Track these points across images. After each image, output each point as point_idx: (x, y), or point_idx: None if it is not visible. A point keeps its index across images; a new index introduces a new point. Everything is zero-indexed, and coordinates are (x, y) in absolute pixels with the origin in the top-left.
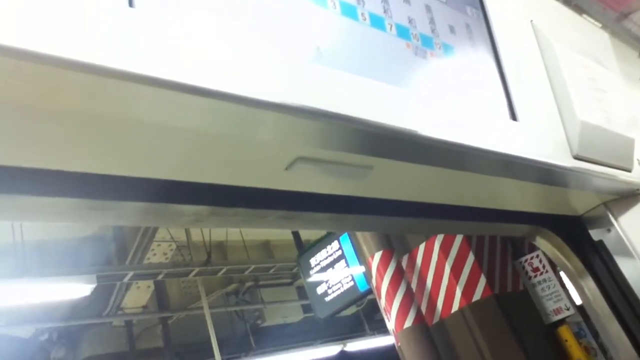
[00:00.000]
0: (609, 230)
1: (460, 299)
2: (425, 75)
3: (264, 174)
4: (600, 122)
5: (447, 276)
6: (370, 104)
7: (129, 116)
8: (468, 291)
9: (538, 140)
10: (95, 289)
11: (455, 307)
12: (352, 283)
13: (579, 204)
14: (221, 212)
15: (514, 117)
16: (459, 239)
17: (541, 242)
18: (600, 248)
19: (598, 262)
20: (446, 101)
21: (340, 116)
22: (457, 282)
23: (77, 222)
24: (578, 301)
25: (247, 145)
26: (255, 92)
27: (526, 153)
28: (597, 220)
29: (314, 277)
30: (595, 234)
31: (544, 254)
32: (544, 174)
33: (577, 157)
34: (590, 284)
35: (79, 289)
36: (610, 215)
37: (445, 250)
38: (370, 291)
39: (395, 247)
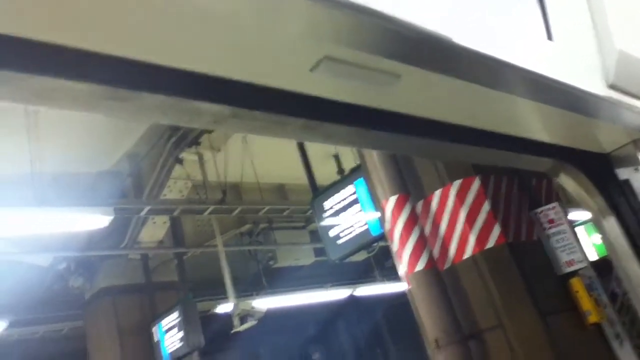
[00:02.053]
0: (636, 170)
1: (474, 245)
2: None
3: (288, 73)
4: (639, 53)
5: (461, 222)
6: (406, 3)
7: None
8: (482, 238)
9: (572, 63)
10: (113, 222)
11: (467, 253)
12: (365, 227)
13: (608, 139)
14: (241, 115)
15: (549, 36)
16: (475, 185)
17: (564, 179)
18: (625, 187)
19: (622, 201)
20: (483, 12)
21: (373, 12)
22: (471, 229)
23: (92, 110)
24: (591, 256)
25: (275, 38)
26: None
27: (558, 75)
28: (624, 159)
29: (327, 220)
30: (621, 173)
31: (560, 205)
32: (575, 101)
33: (611, 87)
34: (612, 223)
35: (97, 220)
36: (639, 154)
37: (461, 196)
38: (382, 235)
39: (411, 192)
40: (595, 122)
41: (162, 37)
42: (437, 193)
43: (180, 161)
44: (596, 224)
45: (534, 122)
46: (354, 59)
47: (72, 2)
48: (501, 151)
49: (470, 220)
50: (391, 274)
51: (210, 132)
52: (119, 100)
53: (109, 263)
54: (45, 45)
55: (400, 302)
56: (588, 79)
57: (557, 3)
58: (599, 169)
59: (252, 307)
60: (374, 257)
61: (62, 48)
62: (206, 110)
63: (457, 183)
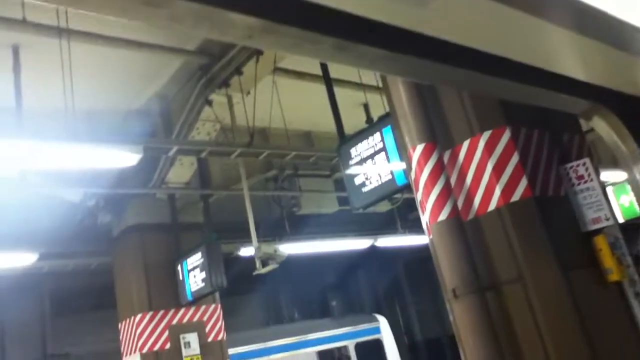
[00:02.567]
0: None
1: (499, 197)
2: None
3: None
4: None
5: (488, 174)
6: None
7: None
8: (508, 191)
9: None
10: (141, 161)
11: (492, 205)
12: (390, 176)
13: None
14: (274, 29)
15: None
16: (505, 137)
17: (598, 123)
18: None
19: None
20: None
21: None
22: (497, 181)
23: (125, 15)
24: (619, 218)
25: None
26: None
27: (600, 4)
28: None
29: (353, 168)
30: None
31: (592, 161)
32: (616, 33)
33: None
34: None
35: (126, 157)
36: None
37: (490, 147)
38: (407, 186)
39: (439, 141)
40: (635, 60)
41: None
42: (466, 143)
43: (209, 103)
44: (626, 169)
45: (570, 57)
46: None
47: None
48: (534, 87)
49: (498, 172)
50: (413, 227)
51: (240, 74)
52: (153, 6)
53: (137, 201)
54: None
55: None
56: (632, 10)
57: None
58: (634, 114)
59: (275, 251)
60: (397, 209)
61: None
62: (240, 23)
63: (487, 133)
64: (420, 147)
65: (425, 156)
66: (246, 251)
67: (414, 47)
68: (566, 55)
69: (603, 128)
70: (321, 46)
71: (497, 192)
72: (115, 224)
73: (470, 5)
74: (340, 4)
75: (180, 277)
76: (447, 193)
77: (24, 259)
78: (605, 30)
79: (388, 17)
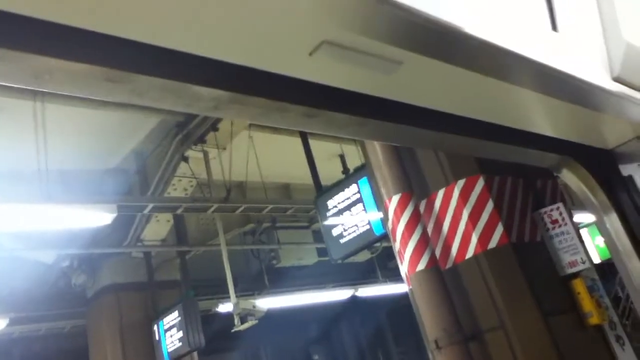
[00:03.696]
0: None
1: (476, 245)
2: None
3: (288, 57)
4: None
5: (464, 222)
6: None
7: None
8: (484, 238)
9: (577, 54)
10: (116, 219)
11: (470, 253)
12: (368, 226)
13: (612, 135)
14: (240, 100)
15: (554, 27)
16: (479, 185)
17: (567, 175)
18: (629, 183)
19: (625, 198)
20: (489, 1)
21: None
22: (474, 229)
23: (90, 92)
24: (595, 258)
25: (274, 20)
26: None
27: (562, 66)
28: (628, 155)
29: (330, 219)
30: (625, 169)
31: (565, 206)
32: (579, 92)
33: (617, 80)
34: (614, 220)
35: (101, 217)
36: None
37: (465, 195)
38: (385, 235)
39: (414, 191)
40: (600, 115)
41: (160, 18)
42: (441, 192)
43: (185, 159)
44: (598, 220)
45: (537, 115)
46: (354, 44)
47: None
48: (504, 144)
49: (473, 219)
50: (393, 275)
51: (216, 130)
52: (117, 82)
53: (112, 261)
54: (45, 24)
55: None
56: (593, 70)
57: None
58: (602, 165)
59: (254, 306)
60: (377, 258)
61: (62, 27)
62: (205, 95)
63: (461, 182)
64: (396, 198)
65: (402, 206)
66: (225, 307)
67: (383, 112)
68: (534, 113)
69: (572, 180)
70: (290, 114)
71: (474, 239)
72: (89, 284)
73: (436, 73)
74: (308, 74)
75: (157, 337)
76: (424, 242)
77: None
78: (570, 90)
79: (355, 85)
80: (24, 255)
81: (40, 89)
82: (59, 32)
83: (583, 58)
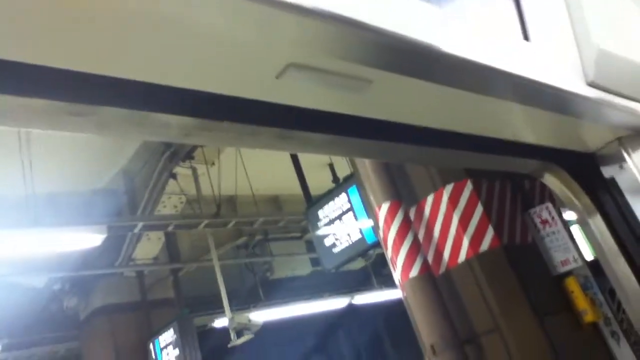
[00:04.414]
0: (621, 167)
1: (468, 249)
2: None
3: (255, 82)
4: (619, 50)
5: (454, 226)
6: (374, 8)
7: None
8: (475, 242)
9: (550, 63)
10: (107, 240)
11: (462, 257)
12: (359, 235)
13: (592, 139)
14: (211, 127)
15: (526, 37)
16: (468, 189)
17: (549, 180)
18: (611, 186)
19: (608, 199)
20: (455, 13)
21: (339, 17)
22: (464, 233)
23: (54, 127)
24: (587, 255)
25: (237, 45)
26: None
27: (537, 75)
28: (609, 157)
29: (322, 230)
30: (606, 171)
31: (554, 205)
32: (555, 100)
33: (591, 85)
34: (598, 223)
35: (91, 239)
36: (624, 152)
37: (453, 200)
38: (377, 243)
39: (403, 198)
40: (578, 121)
41: (120, 50)
42: (430, 198)
43: (174, 176)
44: (582, 224)
45: (515, 124)
46: (321, 65)
47: (26, 18)
48: (484, 154)
49: (464, 224)
50: (389, 281)
51: (202, 146)
52: (80, 116)
53: (104, 282)
54: (3, 62)
55: (399, 309)
56: (567, 78)
57: (532, 3)
58: (584, 169)
59: (249, 321)
60: (372, 265)
61: (18, 64)
62: (173, 124)
63: (449, 187)
64: (385, 206)
65: (392, 214)
66: (220, 322)
67: (356, 130)
68: (511, 122)
69: (555, 185)
70: (263, 137)
71: (465, 244)
72: (82, 307)
73: (408, 89)
74: (277, 97)
75: (153, 357)
76: (416, 249)
77: None
78: (546, 98)
79: (326, 105)
80: (14, 280)
81: (6, 127)
82: (17, 70)
83: (557, 66)
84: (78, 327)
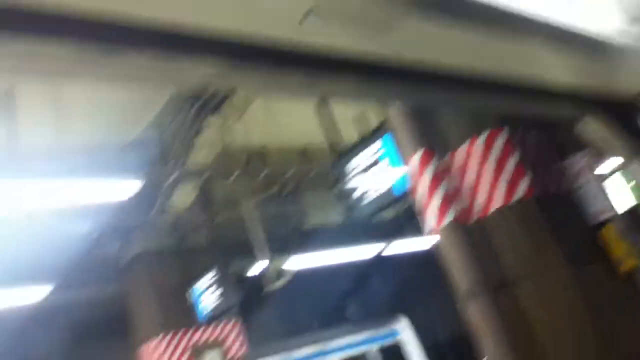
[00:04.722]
0: None
1: (502, 198)
2: None
3: (279, 26)
4: None
5: (489, 175)
6: None
7: None
8: (510, 191)
9: (590, 2)
10: (142, 190)
11: (495, 206)
12: (391, 184)
13: (630, 83)
14: (236, 72)
15: None
16: (503, 137)
17: (589, 126)
18: None
19: None
20: None
21: None
22: (499, 181)
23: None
24: (623, 205)
25: None
26: None
27: (575, 16)
28: None
29: (353, 179)
30: None
31: (589, 156)
32: (596, 42)
33: (632, 24)
34: (637, 167)
35: (126, 189)
36: None
37: (488, 149)
38: (409, 193)
39: (436, 147)
40: (618, 64)
41: None
42: (464, 146)
43: (204, 127)
44: (624, 167)
45: (555, 69)
46: (342, 8)
47: None
48: (523, 100)
49: (498, 172)
50: (420, 230)
51: (233, 96)
52: (104, 62)
53: (142, 229)
54: (25, 7)
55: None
56: (607, 18)
57: None
58: (624, 114)
59: (283, 268)
60: (404, 213)
61: (42, 10)
62: (199, 68)
63: (484, 135)
64: (418, 155)
65: (424, 163)
66: (255, 270)
67: (381, 74)
68: (551, 68)
69: (595, 130)
70: (288, 84)
71: (499, 193)
72: (122, 253)
73: (435, 30)
74: (301, 42)
75: (192, 301)
76: (449, 197)
77: (38, 293)
78: (584, 46)
79: (351, 49)
80: (58, 228)
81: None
82: (41, 16)
83: (597, 5)
84: (119, 273)
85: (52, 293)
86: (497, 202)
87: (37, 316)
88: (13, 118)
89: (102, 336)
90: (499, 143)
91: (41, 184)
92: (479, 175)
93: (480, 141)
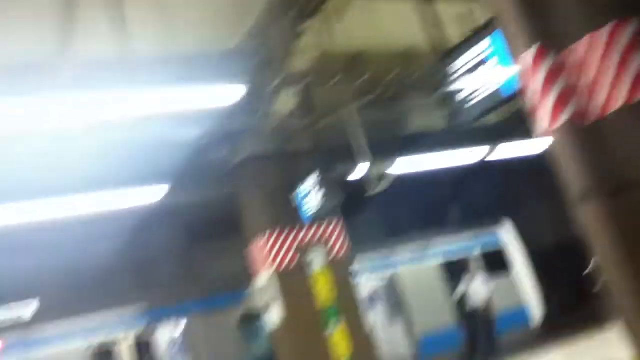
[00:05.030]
0: None
1: (626, 95)
2: None
3: None
4: None
5: (611, 71)
6: None
7: None
8: (634, 89)
9: None
10: (246, 96)
11: (618, 104)
12: (500, 84)
13: None
14: None
15: None
16: (629, 29)
17: None
18: None
19: None
20: None
21: None
22: (624, 77)
23: None
24: None
25: None
26: None
27: None
28: None
29: (458, 81)
30: None
31: None
32: None
33: None
34: None
35: (231, 95)
36: None
37: (612, 42)
38: (519, 93)
39: (552, 42)
40: None
41: None
42: (584, 40)
43: (304, 31)
44: None
45: None
46: None
47: None
48: None
49: (621, 69)
50: (529, 134)
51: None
52: None
53: (247, 134)
54: None
55: (537, 161)
56: None
57: None
58: None
59: (384, 171)
60: (510, 118)
61: None
62: None
63: (608, 27)
64: (532, 50)
65: (538, 60)
66: (357, 174)
67: None
68: None
69: None
70: None
71: (621, 92)
72: (230, 157)
73: None
74: None
75: (297, 201)
76: (565, 96)
77: (155, 193)
78: None
79: None
80: (170, 133)
81: None
82: None
83: None
84: (228, 176)
85: (168, 194)
86: (618, 102)
87: (155, 216)
88: (124, 26)
89: (215, 235)
90: (625, 36)
91: (152, 92)
92: (599, 72)
93: (603, 34)
